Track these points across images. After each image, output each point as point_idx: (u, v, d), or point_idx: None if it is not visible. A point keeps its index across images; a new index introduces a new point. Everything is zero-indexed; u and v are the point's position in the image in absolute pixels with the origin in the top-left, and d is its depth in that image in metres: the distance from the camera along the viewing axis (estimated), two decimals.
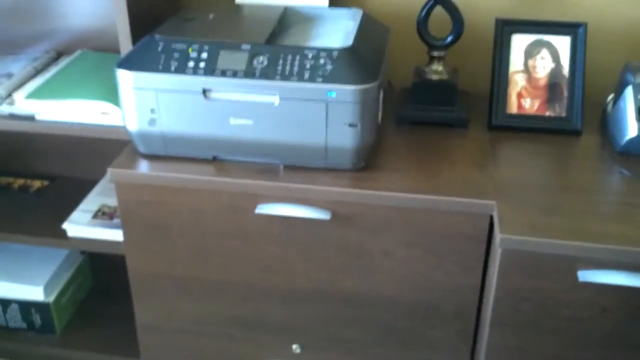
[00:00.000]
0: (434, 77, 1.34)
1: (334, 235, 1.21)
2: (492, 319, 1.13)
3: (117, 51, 1.31)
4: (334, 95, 1.10)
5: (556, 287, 1.08)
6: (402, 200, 1.15)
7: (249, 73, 1.12)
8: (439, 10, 1.31)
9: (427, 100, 1.34)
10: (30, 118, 1.35)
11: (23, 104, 1.35)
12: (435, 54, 1.33)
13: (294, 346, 1.35)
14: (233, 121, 1.16)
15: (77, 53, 1.54)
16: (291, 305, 1.30)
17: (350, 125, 1.12)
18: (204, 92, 1.14)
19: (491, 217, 1.13)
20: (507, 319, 1.13)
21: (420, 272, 1.21)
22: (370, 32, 1.25)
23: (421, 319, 1.26)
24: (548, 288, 1.08)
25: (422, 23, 1.31)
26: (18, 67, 1.50)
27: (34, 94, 1.36)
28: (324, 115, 1.12)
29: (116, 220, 1.48)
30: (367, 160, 1.21)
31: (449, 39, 1.31)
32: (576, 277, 1.06)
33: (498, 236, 1.05)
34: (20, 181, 1.70)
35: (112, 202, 1.54)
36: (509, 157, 1.26)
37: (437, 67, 1.34)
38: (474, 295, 1.22)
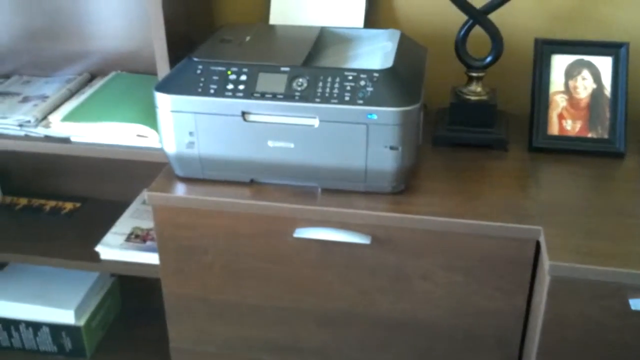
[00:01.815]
0: (473, 97, 1.32)
1: (372, 258, 1.18)
2: (540, 348, 1.10)
3: (151, 73, 1.31)
4: (374, 117, 1.08)
5: (606, 315, 1.05)
6: (442, 225, 1.12)
7: (289, 95, 1.11)
8: (476, 29, 1.29)
9: (465, 122, 1.32)
10: (66, 140, 1.35)
11: (59, 126, 1.35)
12: (474, 74, 1.31)
13: None
14: (271, 144, 1.14)
15: (111, 75, 1.55)
16: (326, 329, 1.28)
17: (391, 147, 1.11)
18: (243, 114, 1.13)
19: (537, 243, 1.10)
20: (555, 347, 1.09)
21: (460, 297, 1.19)
22: (409, 52, 1.24)
23: (460, 345, 1.23)
24: (598, 315, 1.05)
25: (461, 43, 1.29)
26: (52, 89, 1.51)
27: (70, 117, 1.36)
28: (364, 137, 1.10)
29: (149, 243, 1.47)
30: (407, 184, 1.18)
31: (488, 59, 1.29)
32: (627, 305, 1.02)
33: (547, 263, 1.02)
34: (52, 203, 1.69)
35: (145, 224, 1.53)
36: (552, 180, 1.24)
37: (476, 87, 1.32)
38: (517, 322, 1.18)
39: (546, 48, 1.31)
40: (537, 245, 1.10)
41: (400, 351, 1.27)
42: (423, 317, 1.22)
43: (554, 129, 1.31)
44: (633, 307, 1.02)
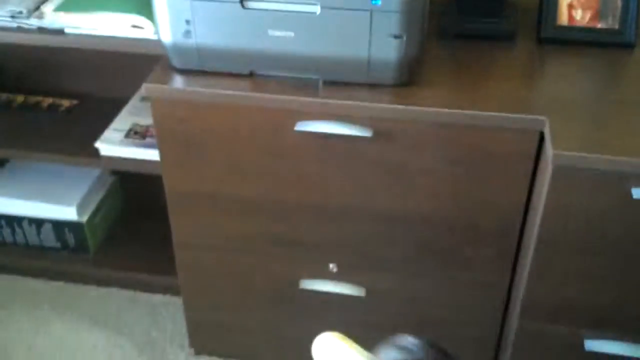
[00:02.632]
0: None
1: (374, 152, 1.17)
2: (539, 238, 1.11)
3: None
4: (378, 3, 1.04)
5: (608, 205, 1.05)
6: (445, 116, 1.10)
7: None
8: None
9: (471, 12, 1.27)
10: (60, 32, 1.31)
11: (52, 16, 1.30)
12: None
13: (331, 264, 1.34)
14: (271, 33, 1.11)
15: None
16: (328, 222, 1.29)
17: (395, 36, 1.07)
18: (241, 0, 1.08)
19: (541, 134, 1.08)
20: (554, 238, 1.10)
21: (462, 190, 1.18)
22: None
23: (461, 238, 1.24)
24: (599, 206, 1.05)
25: None
26: None
27: (63, 7, 1.31)
28: (367, 25, 1.07)
29: (149, 140, 1.46)
30: (411, 76, 1.16)
31: None
32: (630, 194, 1.02)
33: (550, 152, 1.01)
34: (49, 100, 1.67)
35: (144, 121, 1.51)
36: (559, 72, 1.21)
37: None
38: (517, 213, 1.19)
39: None
40: (541, 137, 1.09)
41: (401, 244, 1.28)
42: (423, 210, 1.22)
43: (563, 19, 1.27)
44: (635, 196, 1.01)
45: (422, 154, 1.16)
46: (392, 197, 1.22)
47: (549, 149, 1.02)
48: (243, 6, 1.09)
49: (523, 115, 1.07)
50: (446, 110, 1.10)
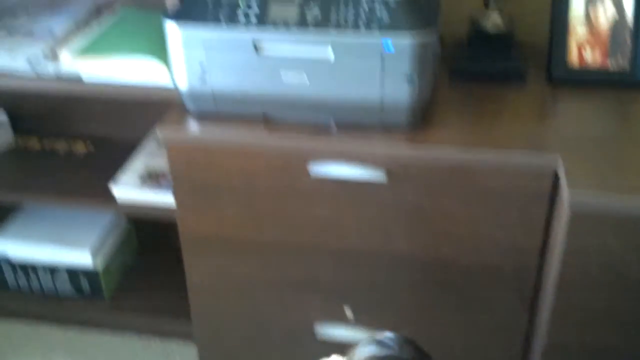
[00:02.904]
0: (490, 27, 1.28)
1: (388, 194, 1.17)
2: (558, 279, 1.09)
3: (159, 7, 1.28)
4: (390, 45, 1.06)
5: (628, 245, 1.03)
6: (460, 158, 1.10)
7: (301, 24, 1.08)
8: None
9: (483, 52, 1.28)
10: (77, 78, 1.33)
11: (69, 62, 1.32)
12: (492, 2, 1.27)
13: (346, 308, 1.33)
14: (285, 78, 1.12)
15: (119, 8, 1.51)
16: (344, 266, 1.28)
17: (407, 78, 1.08)
18: (255, 46, 1.10)
19: (555, 173, 1.08)
20: (573, 279, 1.08)
21: (478, 232, 1.18)
22: None
23: (478, 280, 1.23)
24: (619, 246, 1.04)
25: None
26: (58, 23, 1.47)
27: (80, 52, 1.33)
28: (379, 67, 1.08)
29: (163, 183, 1.47)
30: (423, 118, 1.16)
31: None
32: None
33: (566, 192, 1.00)
34: (64, 143, 1.68)
35: (159, 164, 1.52)
36: (571, 111, 1.21)
37: (494, 16, 1.28)
38: (535, 254, 1.17)
39: None
40: (555, 177, 1.08)
41: (418, 288, 1.27)
42: (440, 252, 1.21)
43: (573, 60, 1.28)
44: None
45: (436, 195, 1.16)
46: (408, 239, 1.22)
47: (564, 189, 1.01)
48: (257, 51, 1.11)
49: (536, 155, 1.07)
50: (459, 151, 1.10)
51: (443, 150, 1.10)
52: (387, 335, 0.85)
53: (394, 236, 1.22)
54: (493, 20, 1.29)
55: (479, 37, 1.29)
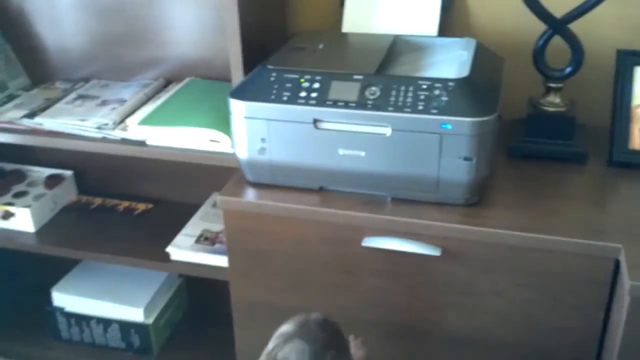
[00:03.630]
0: (550, 109, 1.28)
1: (442, 271, 1.16)
2: None
3: (225, 79, 1.33)
4: (449, 127, 1.07)
5: None
6: (517, 239, 1.09)
7: (361, 104, 1.10)
8: (555, 39, 1.25)
9: (542, 133, 1.28)
10: (142, 143, 1.39)
11: (135, 129, 1.38)
12: (552, 85, 1.27)
13: None
14: (342, 152, 1.14)
15: (186, 81, 1.58)
16: (393, 341, 1.26)
17: (465, 158, 1.08)
18: (315, 122, 1.13)
19: (616, 261, 1.05)
20: None
21: (533, 315, 1.15)
22: (485, 62, 1.21)
23: None
24: None
25: (539, 53, 1.26)
26: (130, 93, 1.55)
27: (146, 121, 1.39)
28: (437, 147, 1.09)
29: (218, 246, 1.49)
30: (480, 196, 1.16)
31: (568, 70, 1.25)
32: None
33: (627, 283, 0.97)
34: (125, 203, 1.74)
35: (214, 227, 1.55)
36: (632, 196, 1.19)
37: (554, 98, 1.28)
38: (593, 342, 1.14)
39: (629, 59, 1.27)
40: (616, 264, 1.06)
41: None
42: (494, 334, 1.19)
43: (635, 144, 1.26)
44: None
45: (491, 275, 1.14)
46: (461, 318, 1.20)
47: (625, 280, 0.99)
48: (316, 127, 1.13)
49: (597, 242, 1.05)
50: (516, 233, 1.09)
51: (498, 231, 1.09)
52: (312, 315, 0.97)
53: (446, 313, 1.20)
54: (553, 101, 1.29)
55: (538, 117, 1.28)
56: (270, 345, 0.96)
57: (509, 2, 1.35)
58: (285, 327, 0.97)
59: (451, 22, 1.42)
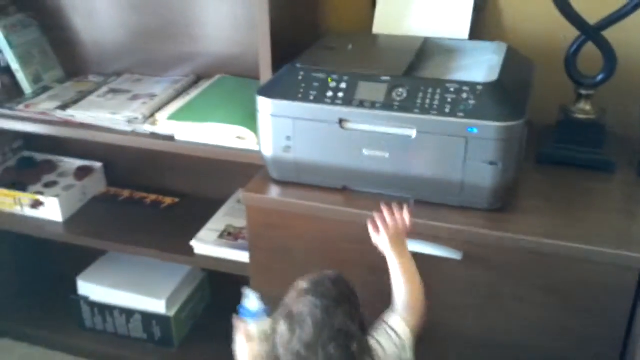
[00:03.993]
0: (581, 116, 1.27)
1: (463, 274, 1.16)
2: None
3: (255, 77, 1.34)
4: (475, 131, 1.06)
5: None
6: (540, 246, 1.08)
7: (387, 105, 1.10)
8: (588, 45, 1.24)
9: (572, 140, 1.26)
10: (170, 138, 1.40)
11: (164, 124, 1.40)
12: (584, 92, 1.26)
13: None
14: (367, 152, 1.14)
15: (216, 78, 1.59)
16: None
17: (491, 163, 1.08)
18: (341, 122, 1.13)
19: None
20: None
21: (555, 321, 1.14)
22: (516, 66, 1.20)
23: None
24: None
25: (572, 59, 1.24)
26: (160, 88, 1.57)
27: (175, 116, 1.41)
28: (463, 151, 1.08)
29: (241, 241, 1.50)
30: (504, 201, 1.15)
31: (600, 77, 1.24)
32: None
33: None
34: (152, 196, 1.76)
35: (238, 222, 1.56)
36: None
37: (585, 105, 1.27)
38: (614, 352, 1.12)
39: None
40: None
41: None
42: (515, 339, 1.18)
43: None
44: None
45: (514, 280, 1.13)
46: (481, 321, 1.19)
47: None
48: (342, 127, 1.13)
49: (622, 252, 1.04)
50: (540, 240, 1.08)
51: (522, 237, 1.09)
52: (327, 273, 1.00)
53: (467, 316, 1.19)
54: (583, 108, 1.27)
55: (568, 124, 1.27)
56: (286, 300, 0.99)
57: (542, 6, 1.33)
58: (301, 284, 1.00)
59: (483, 25, 1.41)
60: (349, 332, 0.93)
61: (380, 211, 1.08)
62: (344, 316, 0.94)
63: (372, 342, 1.01)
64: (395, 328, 1.04)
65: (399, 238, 1.07)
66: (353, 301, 0.98)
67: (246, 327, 1.10)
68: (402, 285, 1.05)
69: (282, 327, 0.96)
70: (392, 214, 1.07)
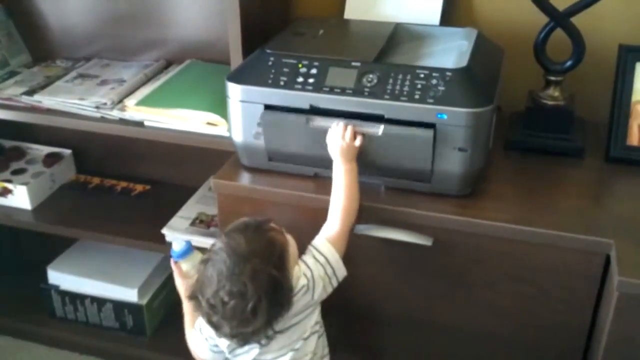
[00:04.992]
0: (549, 102, 1.28)
1: (433, 261, 1.17)
2: None
3: (226, 62, 1.32)
4: (444, 117, 1.06)
5: None
6: (509, 232, 1.09)
7: (358, 91, 1.10)
8: (557, 32, 1.24)
9: (540, 127, 1.27)
10: (140, 124, 1.39)
11: (133, 110, 1.38)
12: (552, 78, 1.27)
13: None
14: None
15: (187, 63, 1.58)
16: (382, 328, 1.27)
17: (460, 149, 1.08)
18: (311, 108, 1.12)
19: (607, 257, 1.05)
20: None
21: (523, 307, 1.15)
22: (485, 53, 1.21)
23: (521, 357, 1.20)
24: None
25: (540, 46, 1.25)
26: (130, 73, 1.55)
27: (144, 101, 1.39)
28: (431, 137, 1.08)
29: (212, 229, 1.49)
30: (474, 187, 1.16)
31: (568, 63, 1.25)
32: None
33: (616, 278, 0.97)
34: (123, 184, 1.75)
35: (210, 210, 1.55)
36: (628, 192, 1.18)
37: (553, 92, 1.28)
38: (581, 336, 1.14)
39: (630, 55, 1.26)
40: (607, 260, 1.05)
41: (456, 357, 1.24)
42: (484, 325, 1.19)
43: (633, 140, 1.25)
44: None
45: (482, 266, 1.14)
46: (451, 308, 1.20)
47: (614, 275, 0.98)
48: (308, 124, 1.13)
49: (589, 237, 1.05)
50: (508, 225, 1.09)
51: (490, 223, 1.09)
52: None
53: (436, 302, 1.20)
54: (552, 94, 1.28)
55: (537, 110, 1.28)
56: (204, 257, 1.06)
57: None
58: (229, 228, 1.06)
59: (454, 11, 1.41)
60: (246, 292, 0.98)
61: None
62: (249, 272, 0.98)
63: (301, 265, 1.07)
64: (319, 248, 1.10)
65: (349, 152, 1.10)
66: (269, 254, 1.02)
67: (179, 266, 1.18)
68: (342, 191, 1.10)
69: (201, 267, 1.04)
70: (346, 131, 1.11)
